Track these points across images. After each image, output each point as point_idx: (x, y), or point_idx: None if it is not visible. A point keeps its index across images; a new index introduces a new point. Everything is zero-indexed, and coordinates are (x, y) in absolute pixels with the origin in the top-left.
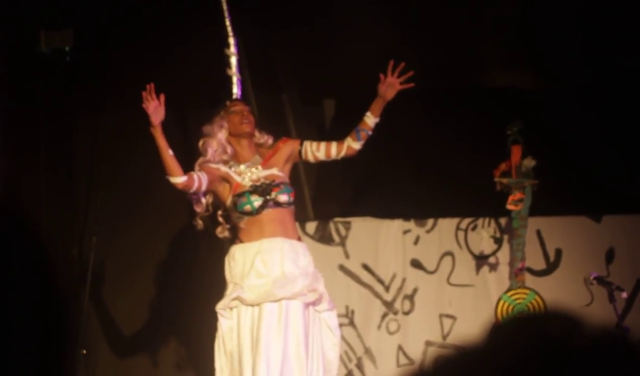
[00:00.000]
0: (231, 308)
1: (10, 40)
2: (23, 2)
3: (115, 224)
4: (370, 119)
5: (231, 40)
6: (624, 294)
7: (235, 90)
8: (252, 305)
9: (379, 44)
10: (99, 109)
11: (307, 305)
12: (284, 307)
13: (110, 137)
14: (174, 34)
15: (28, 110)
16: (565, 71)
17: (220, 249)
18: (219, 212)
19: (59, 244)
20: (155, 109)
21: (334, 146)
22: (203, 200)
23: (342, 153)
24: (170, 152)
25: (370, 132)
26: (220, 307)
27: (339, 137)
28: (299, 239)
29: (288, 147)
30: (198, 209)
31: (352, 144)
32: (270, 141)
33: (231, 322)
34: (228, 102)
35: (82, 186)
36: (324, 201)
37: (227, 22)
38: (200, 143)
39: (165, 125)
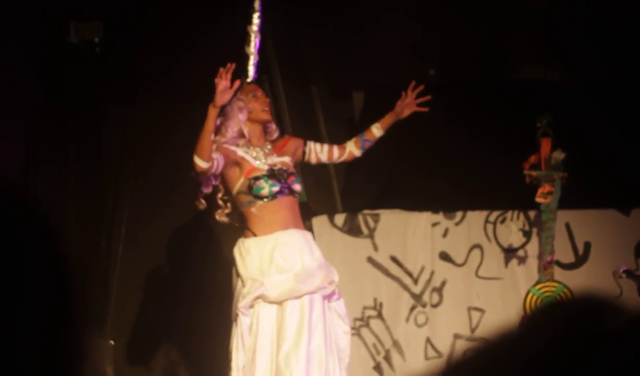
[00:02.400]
0: (252, 306)
1: (40, 32)
2: None
3: (144, 215)
4: (378, 132)
5: (255, 19)
6: None
7: (251, 71)
8: (273, 303)
9: (408, 36)
10: (128, 100)
11: (326, 296)
12: (307, 302)
13: (140, 128)
14: (203, 23)
15: (57, 101)
16: (596, 63)
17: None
18: (219, 195)
19: (88, 236)
20: (224, 88)
21: (336, 149)
22: (213, 182)
23: (343, 158)
24: (212, 136)
25: (373, 144)
26: (242, 305)
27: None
28: (304, 228)
29: (293, 144)
30: (206, 190)
31: (354, 151)
32: (276, 134)
33: (249, 319)
34: (246, 85)
35: (112, 177)
36: (353, 194)
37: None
38: (218, 122)
39: (192, 113)
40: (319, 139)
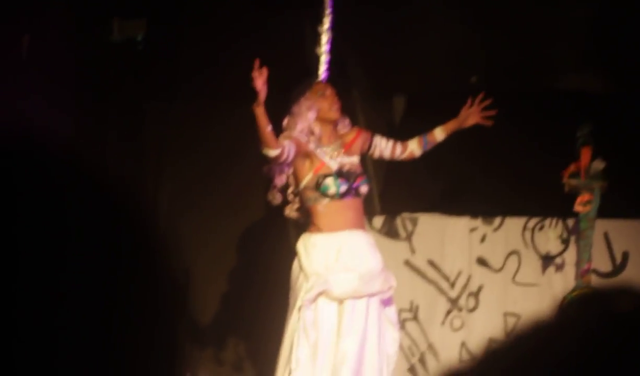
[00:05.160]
0: (314, 301)
1: (85, 29)
2: None
3: (183, 213)
4: (440, 136)
5: (326, 19)
6: None
7: (323, 70)
8: (337, 300)
9: (451, 43)
10: (170, 97)
11: (384, 301)
12: (365, 304)
13: (180, 125)
14: (244, 22)
15: (100, 97)
16: (637, 73)
17: (286, 240)
18: (290, 190)
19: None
20: (263, 85)
21: (399, 146)
22: (286, 171)
23: (404, 156)
24: (270, 127)
25: (434, 146)
26: (306, 299)
27: (407, 136)
28: None
29: (362, 138)
30: (279, 182)
31: (415, 151)
32: (348, 127)
33: (312, 313)
34: (316, 84)
35: (151, 175)
36: (391, 196)
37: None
38: (285, 121)
39: (234, 111)
40: None
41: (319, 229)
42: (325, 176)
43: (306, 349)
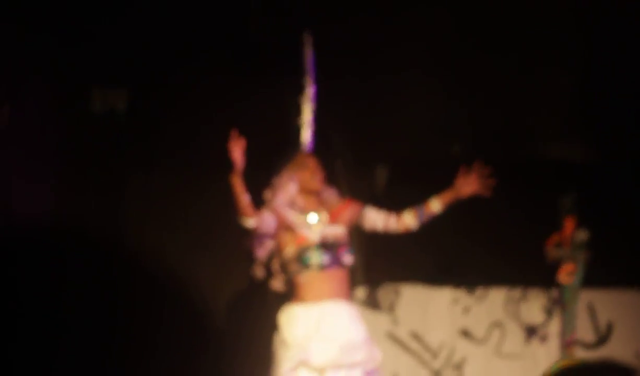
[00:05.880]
0: (295, 371)
1: (65, 99)
2: (78, 61)
3: (165, 285)
4: (437, 207)
5: (309, 89)
6: None
7: (306, 141)
8: (316, 370)
9: (432, 112)
10: (151, 168)
11: (367, 373)
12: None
13: (161, 196)
14: (226, 93)
15: (80, 167)
16: (620, 142)
17: (269, 311)
18: (274, 262)
19: None
20: (240, 155)
21: (393, 219)
22: (267, 244)
23: (399, 229)
24: (246, 197)
25: (431, 219)
26: (285, 369)
27: (391, 205)
28: None
29: (352, 209)
30: (261, 254)
31: (411, 224)
32: (333, 197)
33: None
34: (298, 155)
35: (132, 246)
36: (374, 268)
37: (308, 68)
38: (267, 193)
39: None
40: None
41: (301, 300)
42: (307, 248)
43: None
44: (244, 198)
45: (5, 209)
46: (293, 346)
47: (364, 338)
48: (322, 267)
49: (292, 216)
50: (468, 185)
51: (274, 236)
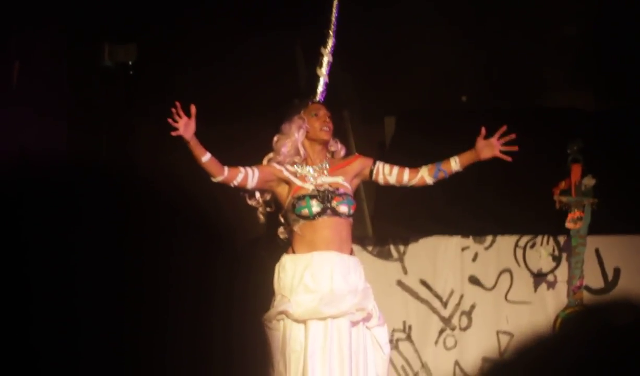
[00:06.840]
0: (278, 320)
1: (75, 53)
2: (88, 16)
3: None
4: (455, 166)
5: (330, 41)
6: None
7: (320, 91)
8: (297, 321)
9: (440, 64)
10: (160, 122)
11: (354, 323)
12: (330, 326)
13: (170, 149)
14: (235, 46)
15: (90, 122)
16: (626, 90)
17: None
18: (281, 213)
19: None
20: (185, 126)
21: (406, 172)
22: (256, 195)
23: (414, 182)
24: (207, 156)
25: (447, 176)
26: (266, 318)
27: (399, 156)
28: (352, 253)
29: (360, 163)
30: (252, 203)
31: (427, 179)
32: (342, 152)
33: (278, 333)
34: (310, 103)
35: (144, 193)
36: (383, 217)
37: (333, 20)
38: (275, 139)
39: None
40: None
41: (293, 251)
42: (300, 197)
43: (282, 365)
44: (203, 159)
45: (20, 158)
46: (278, 295)
47: (352, 289)
48: (314, 216)
49: (285, 171)
50: (489, 148)
51: (266, 190)
